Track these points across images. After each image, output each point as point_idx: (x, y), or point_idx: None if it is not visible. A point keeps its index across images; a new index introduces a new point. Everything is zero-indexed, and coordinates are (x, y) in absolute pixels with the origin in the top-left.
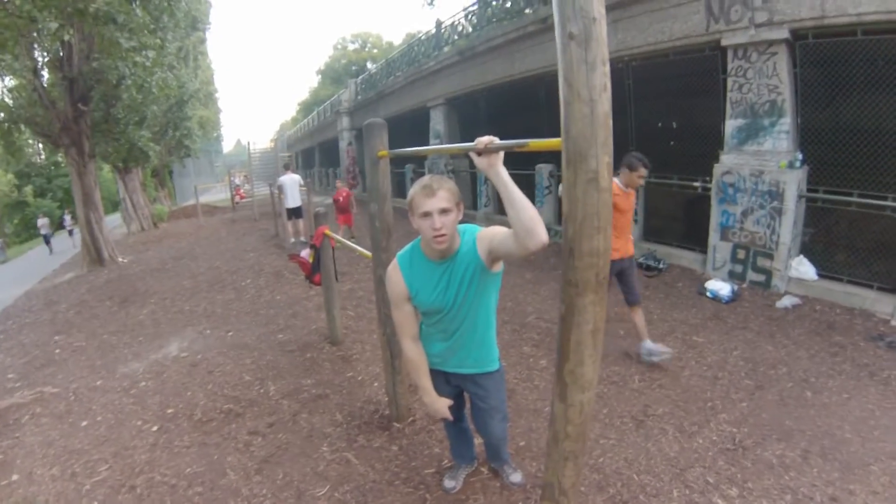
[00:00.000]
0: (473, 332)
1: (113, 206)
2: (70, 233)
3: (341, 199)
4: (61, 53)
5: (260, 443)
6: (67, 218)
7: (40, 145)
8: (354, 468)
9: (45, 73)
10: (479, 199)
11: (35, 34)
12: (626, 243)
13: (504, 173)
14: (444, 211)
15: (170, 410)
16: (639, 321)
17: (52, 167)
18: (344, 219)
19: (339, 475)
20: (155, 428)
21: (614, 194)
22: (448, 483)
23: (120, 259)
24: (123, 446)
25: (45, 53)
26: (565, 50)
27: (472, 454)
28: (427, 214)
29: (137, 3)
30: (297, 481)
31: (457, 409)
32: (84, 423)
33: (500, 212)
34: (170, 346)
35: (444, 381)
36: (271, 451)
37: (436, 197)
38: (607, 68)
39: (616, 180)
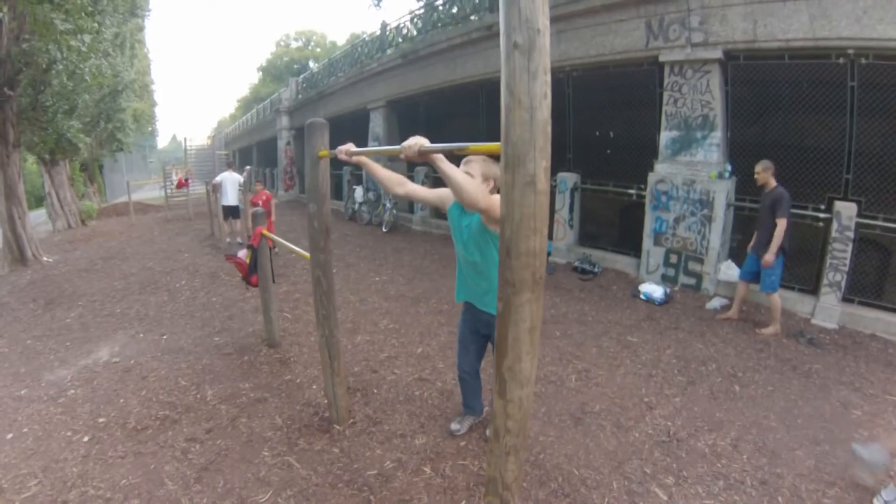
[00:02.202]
0: (476, 274)
1: (37, 201)
2: None
3: (260, 202)
4: None
5: (198, 450)
6: None
7: None
8: (296, 472)
9: None
10: (415, 205)
11: None
12: None
13: (442, 163)
14: (466, 174)
15: (101, 419)
16: None
17: None
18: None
19: (281, 480)
20: (86, 438)
21: None
22: (454, 426)
23: (45, 258)
24: (53, 459)
25: None
26: (509, 58)
27: (479, 406)
28: None
29: None
30: (239, 488)
31: (475, 357)
32: (9, 436)
33: (435, 216)
34: (100, 350)
35: (472, 314)
36: (210, 458)
37: (467, 164)
38: (548, 77)
39: None
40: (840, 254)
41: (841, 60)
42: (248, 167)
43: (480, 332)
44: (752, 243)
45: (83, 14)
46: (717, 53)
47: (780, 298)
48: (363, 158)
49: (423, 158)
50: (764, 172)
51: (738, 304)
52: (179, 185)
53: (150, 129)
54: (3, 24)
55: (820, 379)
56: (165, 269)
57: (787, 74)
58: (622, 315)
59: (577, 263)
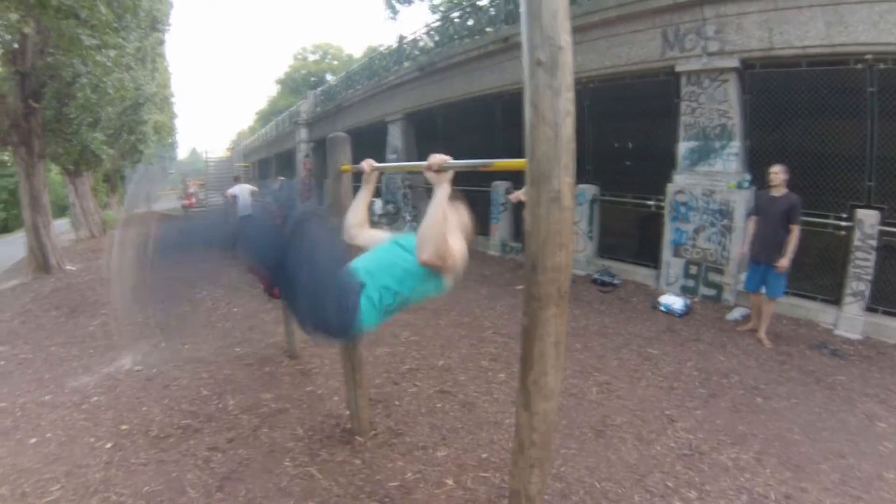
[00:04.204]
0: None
1: (60, 210)
2: None
3: None
4: (15, 45)
5: (220, 459)
6: None
7: None
8: (318, 483)
9: None
10: None
11: None
12: None
13: (442, 192)
14: None
15: (124, 426)
16: None
17: None
18: None
19: (302, 490)
20: (109, 445)
21: None
22: None
23: (68, 267)
24: (76, 464)
25: None
26: (533, 75)
27: None
28: None
29: None
30: (261, 498)
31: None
32: (33, 441)
33: None
34: (122, 358)
35: None
36: (232, 467)
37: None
38: (572, 94)
39: None
40: (863, 263)
41: (859, 66)
42: (280, 178)
43: None
44: (746, 249)
45: (108, 30)
46: (734, 62)
47: (803, 309)
48: (373, 179)
49: (440, 178)
50: (783, 174)
51: (756, 315)
52: (189, 202)
53: (170, 140)
54: (29, 38)
55: (844, 391)
56: (186, 280)
57: (805, 81)
58: (642, 327)
59: (596, 275)
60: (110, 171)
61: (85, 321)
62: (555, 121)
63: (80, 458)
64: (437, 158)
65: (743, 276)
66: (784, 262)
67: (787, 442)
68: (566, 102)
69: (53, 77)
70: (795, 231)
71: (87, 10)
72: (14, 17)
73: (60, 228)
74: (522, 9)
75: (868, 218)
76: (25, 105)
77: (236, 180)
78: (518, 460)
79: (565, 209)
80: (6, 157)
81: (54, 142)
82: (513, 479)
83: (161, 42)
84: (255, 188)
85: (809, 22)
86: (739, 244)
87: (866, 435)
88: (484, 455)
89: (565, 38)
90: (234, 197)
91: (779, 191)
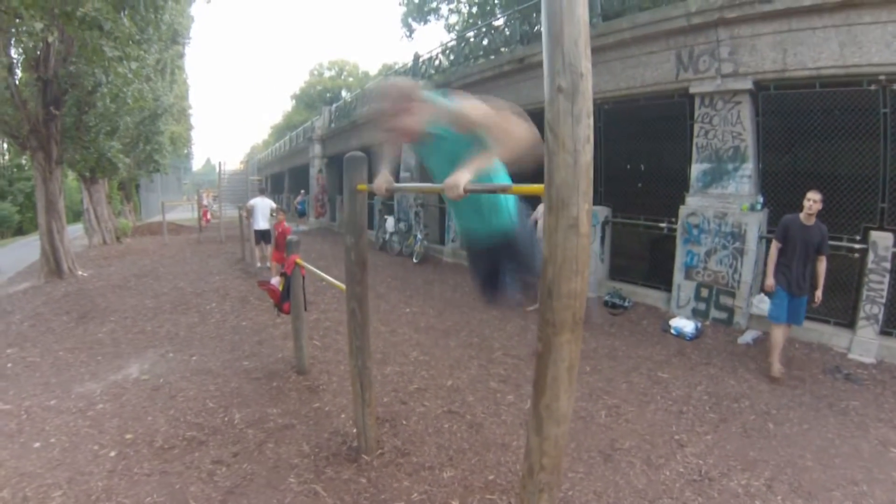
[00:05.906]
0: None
1: (75, 215)
2: None
3: (276, 232)
4: (38, 53)
5: (224, 472)
6: None
7: (5, 145)
8: (322, 501)
9: (19, 72)
10: (446, 234)
11: (14, 30)
12: None
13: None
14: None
15: (129, 435)
16: None
17: (15, 169)
18: (279, 256)
19: None
20: (113, 453)
21: None
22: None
23: (80, 272)
24: (79, 471)
25: (22, 52)
26: (553, 101)
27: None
28: None
29: (126, 12)
30: None
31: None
32: (36, 445)
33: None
34: (130, 367)
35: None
36: (236, 481)
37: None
38: (591, 121)
39: None
40: (877, 285)
41: (872, 87)
42: (302, 191)
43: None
44: (772, 281)
45: (131, 42)
46: (748, 84)
47: (816, 333)
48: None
49: (458, 196)
50: (821, 203)
51: (774, 348)
52: (206, 220)
53: (185, 151)
54: (52, 46)
55: (857, 416)
56: (196, 291)
57: (818, 103)
58: (653, 350)
59: (607, 297)
60: (126, 179)
61: (94, 327)
62: (574, 148)
63: (83, 465)
64: (456, 183)
65: (754, 300)
66: (820, 295)
67: (798, 468)
68: (585, 129)
69: (74, 85)
70: (825, 262)
71: (110, 23)
72: (39, 25)
73: (74, 234)
74: (544, 34)
75: (882, 240)
76: (46, 111)
77: (262, 192)
78: (527, 484)
79: (582, 236)
80: (24, 161)
81: (72, 148)
82: (521, 503)
83: (181, 55)
84: (274, 204)
85: (823, 43)
86: (754, 270)
87: (880, 461)
88: (491, 477)
89: (586, 65)
90: (252, 209)
91: (810, 219)
